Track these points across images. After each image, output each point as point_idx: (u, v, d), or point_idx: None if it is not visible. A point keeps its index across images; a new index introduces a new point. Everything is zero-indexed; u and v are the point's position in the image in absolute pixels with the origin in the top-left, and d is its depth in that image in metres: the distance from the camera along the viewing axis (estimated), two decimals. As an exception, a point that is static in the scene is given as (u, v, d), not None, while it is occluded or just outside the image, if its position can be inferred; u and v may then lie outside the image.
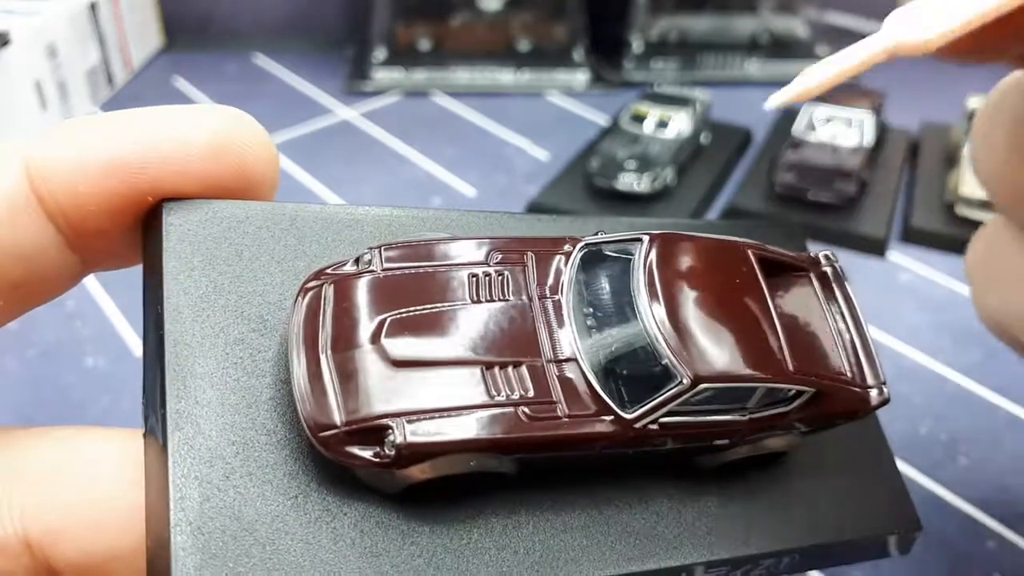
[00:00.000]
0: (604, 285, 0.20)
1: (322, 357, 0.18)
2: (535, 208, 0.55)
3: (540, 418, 0.18)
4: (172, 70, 0.75)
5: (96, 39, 0.69)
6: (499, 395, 0.18)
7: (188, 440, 0.17)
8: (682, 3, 0.73)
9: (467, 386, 0.18)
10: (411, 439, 0.17)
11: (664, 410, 0.18)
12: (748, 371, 0.19)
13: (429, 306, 0.19)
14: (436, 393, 0.18)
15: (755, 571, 0.21)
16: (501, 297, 0.19)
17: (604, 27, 0.74)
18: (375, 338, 0.18)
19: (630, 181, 0.54)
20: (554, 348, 0.19)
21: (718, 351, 0.19)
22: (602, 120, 0.66)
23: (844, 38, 0.76)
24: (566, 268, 0.20)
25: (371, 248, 0.19)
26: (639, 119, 0.59)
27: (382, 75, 0.71)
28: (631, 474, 0.20)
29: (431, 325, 0.18)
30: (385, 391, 0.17)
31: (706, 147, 0.61)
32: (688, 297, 0.19)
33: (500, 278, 0.19)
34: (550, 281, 0.20)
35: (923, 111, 0.67)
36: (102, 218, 0.20)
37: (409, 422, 0.17)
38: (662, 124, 0.58)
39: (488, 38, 0.73)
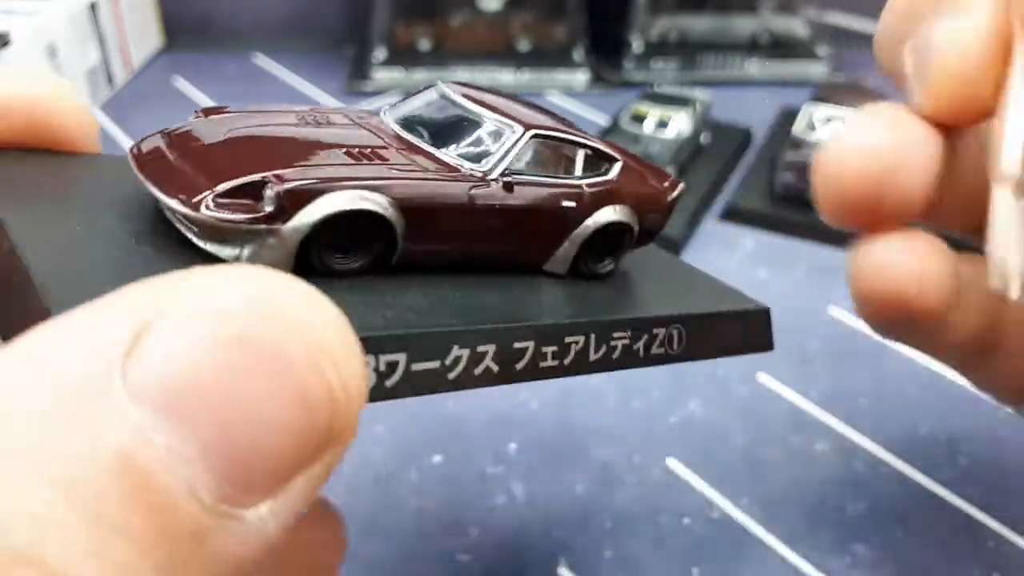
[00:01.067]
0: (416, 115, 0.23)
1: (169, 158, 0.18)
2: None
3: (406, 173, 0.19)
4: (172, 70, 0.75)
5: (96, 39, 0.69)
6: (361, 160, 0.19)
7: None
8: (682, 3, 0.73)
9: (323, 156, 0.19)
10: (290, 185, 0.17)
11: (508, 159, 0.21)
12: (565, 128, 0.23)
13: (258, 124, 0.20)
14: (294, 158, 0.18)
15: (653, 343, 0.23)
16: (328, 123, 0.21)
17: (604, 27, 0.74)
18: (223, 137, 0.19)
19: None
20: (397, 139, 0.21)
21: (531, 113, 0.23)
22: (602, 120, 0.66)
23: (844, 38, 0.76)
24: (389, 125, 0.22)
25: (196, 111, 0.21)
26: (639, 119, 0.59)
27: (382, 75, 0.71)
28: (521, 281, 0.23)
29: (269, 131, 0.20)
30: (244, 162, 0.18)
31: (706, 147, 0.61)
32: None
33: (323, 117, 0.21)
34: (367, 118, 0.22)
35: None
36: None
37: (276, 175, 0.17)
38: (662, 124, 0.58)
39: (488, 38, 0.73)
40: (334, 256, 0.19)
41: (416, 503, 0.35)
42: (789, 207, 0.55)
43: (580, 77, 0.72)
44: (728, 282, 0.27)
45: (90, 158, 0.22)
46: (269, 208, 0.17)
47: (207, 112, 0.21)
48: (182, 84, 0.72)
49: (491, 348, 0.19)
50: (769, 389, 0.42)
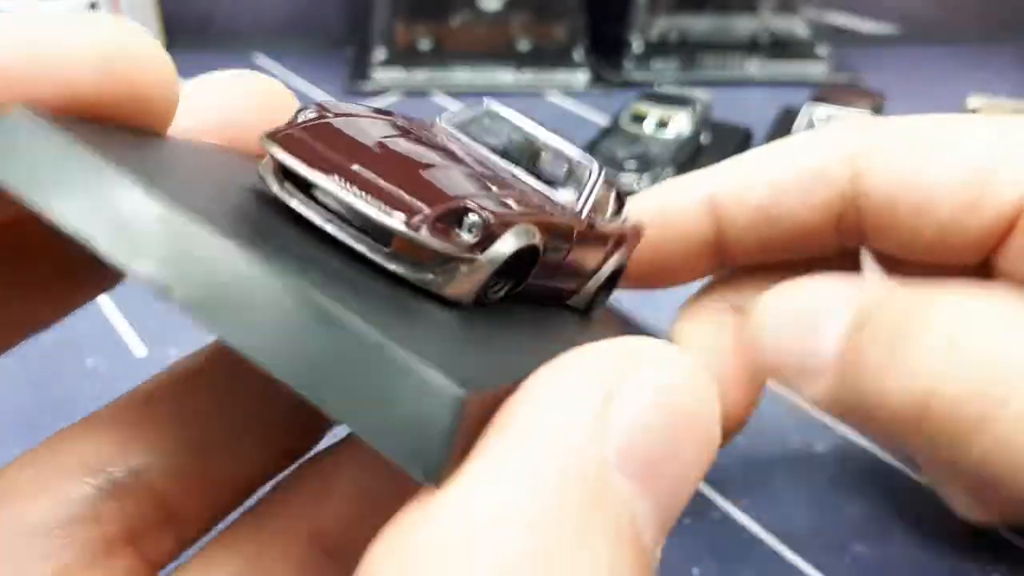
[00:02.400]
0: (485, 140, 0.22)
1: (354, 169, 0.17)
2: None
3: (542, 208, 0.19)
4: (172, 70, 0.75)
5: (96, 39, 0.68)
6: (507, 191, 0.19)
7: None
8: (682, 3, 0.73)
9: (480, 183, 0.18)
10: (494, 215, 0.17)
11: (592, 198, 0.22)
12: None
13: (397, 136, 0.19)
14: (466, 184, 0.18)
15: None
16: (430, 138, 0.20)
17: (604, 27, 0.74)
18: (387, 149, 0.18)
19: (630, 181, 0.54)
20: (501, 170, 0.21)
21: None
22: (602, 120, 0.66)
23: (844, 38, 0.76)
24: (450, 131, 0.22)
25: (306, 107, 0.19)
26: (639, 119, 0.59)
27: (382, 75, 0.71)
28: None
29: (415, 147, 0.19)
30: (436, 184, 0.17)
31: (706, 147, 0.61)
32: None
33: (410, 130, 0.20)
34: (447, 140, 0.21)
35: (923, 111, 0.67)
36: None
37: (477, 204, 0.17)
38: (662, 124, 0.58)
39: (488, 38, 0.73)
40: (491, 287, 0.18)
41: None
42: (789, 207, 0.55)
43: (580, 77, 0.72)
44: None
45: (176, 141, 0.19)
46: (475, 237, 0.17)
47: (324, 109, 0.19)
48: (182, 84, 0.72)
49: None
50: (769, 389, 0.42)
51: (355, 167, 0.17)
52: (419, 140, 0.19)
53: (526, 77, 0.72)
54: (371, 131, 0.19)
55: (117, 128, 0.17)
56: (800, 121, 0.57)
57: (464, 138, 0.21)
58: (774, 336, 0.23)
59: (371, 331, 0.12)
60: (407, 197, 0.16)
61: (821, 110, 0.57)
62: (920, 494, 0.37)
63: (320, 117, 0.18)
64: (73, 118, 0.16)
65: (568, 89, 0.71)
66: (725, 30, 0.73)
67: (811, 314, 0.23)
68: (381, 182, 0.16)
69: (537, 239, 0.18)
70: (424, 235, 0.16)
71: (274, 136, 0.17)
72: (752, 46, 0.73)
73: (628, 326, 0.28)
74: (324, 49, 0.78)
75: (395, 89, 0.71)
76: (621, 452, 0.12)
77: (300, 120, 0.18)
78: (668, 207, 0.29)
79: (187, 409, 0.21)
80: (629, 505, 0.12)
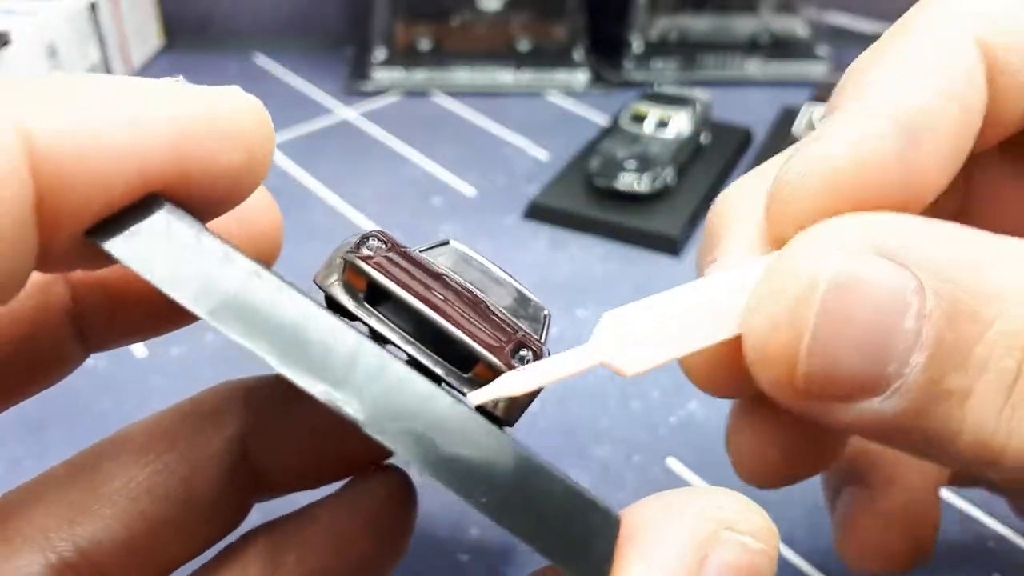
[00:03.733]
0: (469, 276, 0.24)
1: (434, 298, 0.20)
2: (535, 208, 0.55)
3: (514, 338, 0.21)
4: (172, 70, 0.75)
5: (96, 39, 0.69)
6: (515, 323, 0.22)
7: None
8: (682, 3, 0.73)
9: (503, 315, 0.21)
10: (541, 344, 0.20)
11: (544, 335, 0.23)
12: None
13: (435, 272, 0.21)
14: (500, 323, 0.21)
15: None
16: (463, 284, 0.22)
17: (604, 27, 0.74)
18: (446, 284, 0.21)
19: (630, 181, 0.54)
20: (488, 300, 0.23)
21: None
22: (602, 120, 0.66)
23: (844, 38, 0.76)
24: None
25: (368, 234, 0.21)
26: (639, 119, 0.59)
27: (382, 75, 0.71)
28: None
29: (453, 283, 0.21)
30: (493, 315, 0.20)
31: (706, 147, 0.61)
32: None
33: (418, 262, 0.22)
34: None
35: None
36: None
37: (527, 338, 0.20)
38: (662, 124, 0.58)
39: (488, 38, 0.73)
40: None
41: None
42: (789, 207, 0.55)
43: (580, 77, 0.72)
44: None
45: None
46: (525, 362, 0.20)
47: (392, 244, 0.21)
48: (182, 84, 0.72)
49: None
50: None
51: (435, 297, 0.20)
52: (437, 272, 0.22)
53: (526, 77, 0.72)
54: (423, 266, 0.21)
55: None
56: (800, 121, 0.57)
57: (447, 267, 0.23)
58: (828, 321, 0.17)
59: (566, 480, 0.16)
60: (485, 329, 0.20)
61: (821, 110, 0.57)
62: (920, 494, 0.37)
63: (390, 248, 0.21)
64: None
65: (568, 89, 0.71)
66: (725, 30, 0.73)
67: (888, 299, 0.17)
68: (458, 314, 0.20)
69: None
70: (503, 364, 0.19)
71: (360, 258, 0.19)
72: (752, 46, 0.73)
73: None
74: (324, 49, 0.78)
75: (395, 89, 0.71)
76: None
77: (371, 247, 0.21)
78: (935, 63, 0.19)
79: (140, 483, 0.21)
80: None
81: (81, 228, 0.15)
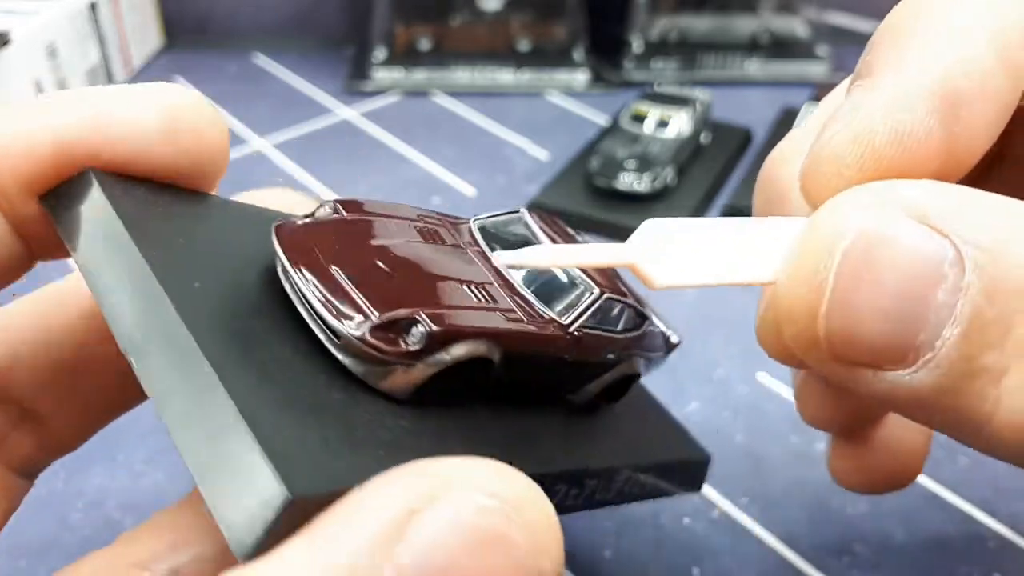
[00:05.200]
0: (505, 242, 0.24)
1: (331, 270, 0.20)
2: (535, 208, 0.55)
3: (515, 321, 0.22)
4: (172, 70, 0.75)
5: (96, 39, 0.69)
6: (482, 303, 0.21)
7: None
8: (682, 3, 0.73)
9: (456, 293, 0.21)
10: (437, 329, 0.19)
11: (586, 316, 0.23)
12: (624, 293, 0.25)
13: (399, 240, 0.22)
14: (436, 294, 0.20)
15: (609, 488, 0.25)
16: (442, 242, 0.23)
17: (604, 27, 0.74)
18: (375, 253, 0.21)
19: (630, 181, 0.54)
20: (497, 274, 0.23)
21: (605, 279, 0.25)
22: (602, 120, 0.66)
23: (844, 38, 0.76)
24: (473, 232, 0.25)
25: (325, 203, 0.22)
26: (639, 119, 0.59)
27: (382, 75, 0.71)
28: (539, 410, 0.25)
29: (410, 251, 0.22)
30: (398, 292, 0.20)
31: (706, 147, 0.61)
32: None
33: (436, 231, 0.24)
34: (466, 238, 0.24)
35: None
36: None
37: (428, 315, 0.19)
38: (662, 124, 0.58)
39: (488, 38, 0.73)
40: (438, 385, 0.20)
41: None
42: (789, 207, 0.55)
43: (580, 77, 0.72)
44: None
45: (221, 202, 0.23)
46: (416, 346, 0.19)
47: (345, 206, 0.22)
48: (182, 84, 0.72)
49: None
50: (769, 389, 0.42)
51: (332, 268, 0.20)
52: (434, 248, 0.22)
53: (526, 77, 0.72)
54: (384, 234, 0.22)
55: (170, 188, 0.21)
56: (800, 121, 0.57)
57: (483, 244, 0.24)
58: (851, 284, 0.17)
59: (233, 409, 0.15)
60: (363, 303, 0.19)
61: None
62: (920, 494, 0.37)
63: (335, 213, 0.22)
64: (131, 180, 0.20)
65: (568, 89, 0.71)
66: (725, 30, 0.73)
67: (920, 266, 0.16)
68: (347, 285, 0.19)
69: (487, 351, 0.20)
70: (363, 340, 0.19)
71: (279, 227, 0.20)
72: (752, 46, 0.73)
73: (649, 416, 0.30)
74: (324, 49, 0.78)
75: (395, 89, 0.71)
76: (408, 568, 0.13)
77: (313, 215, 0.22)
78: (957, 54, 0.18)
79: None
80: None
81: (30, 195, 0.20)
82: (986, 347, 0.16)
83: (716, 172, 0.59)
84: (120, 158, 0.20)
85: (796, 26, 0.74)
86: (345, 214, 0.22)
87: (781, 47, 0.73)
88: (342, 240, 0.21)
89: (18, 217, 0.20)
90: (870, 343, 0.17)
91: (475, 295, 0.21)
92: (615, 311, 0.25)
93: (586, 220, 0.54)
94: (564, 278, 0.24)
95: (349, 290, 0.19)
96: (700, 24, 0.73)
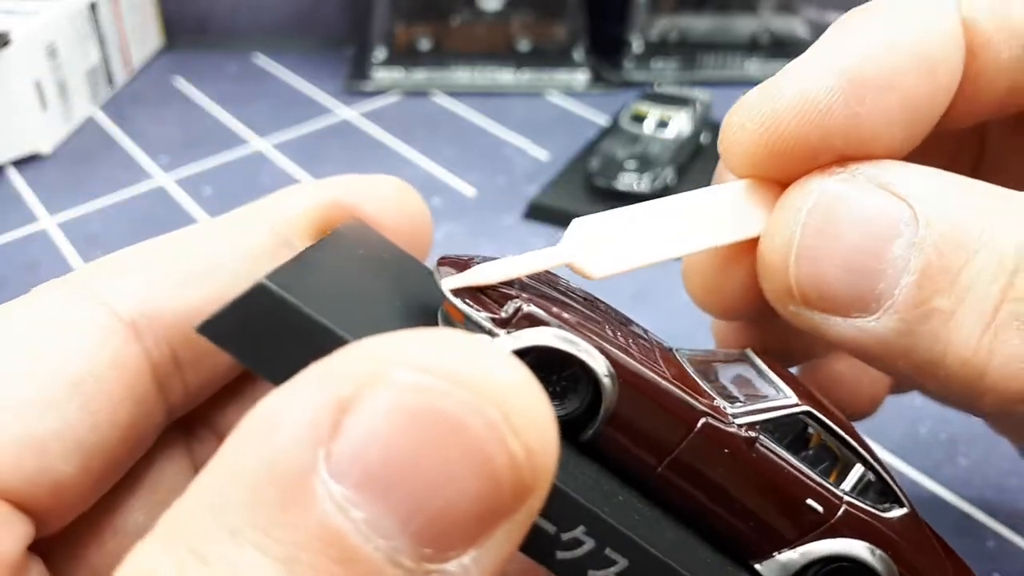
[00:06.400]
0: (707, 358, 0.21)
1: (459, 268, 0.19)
2: (535, 208, 0.55)
3: (647, 360, 0.18)
4: (172, 70, 0.75)
5: (96, 39, 0.69)
6: (617, 337, 0.19)
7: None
8: (682, 3, 0.73)
9: (593, 324, 0.18)
10: (528, 307, 0.17)
11: (764, 416, 0.19)
12: (848, 431, 0.20)
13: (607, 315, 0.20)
14: (564, 306, 0.18)
15: None
16: (615, 316, 0.21)
17: (604, 27, 0.74)
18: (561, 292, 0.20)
19: (630, 181, 0.54)
20: (663, 352, 0.20)
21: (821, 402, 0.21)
22: (602, 120, 0.66)
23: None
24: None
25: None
26: (639, 119, 0.59)
27: (382, 75, 0.71)
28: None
29: (576, 302, 0.20)
30: (540, 298, 0.18)
31: (706, 147, 0.61)
32: None
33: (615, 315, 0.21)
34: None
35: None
36: None
37: (533, 303, 0.18)
38: (662, 124, 0.58)
39: (488, 38, 0.73)
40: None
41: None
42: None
43: (580, 77, 0.72)
44: None
45: (422, 266, 0.23)
46: (503, 314, 0.17)
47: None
48: (182, 84, 0.72)
49: (622, 562, 0.16)
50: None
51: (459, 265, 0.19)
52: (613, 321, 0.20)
53: (526, 77, 0.72)
54: (576, 296, 0.20)
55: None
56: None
57: (685, 357, 0.21)
58: (815, 240, 0.19)
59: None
60: (463, 269, 0.18)
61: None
62: (920, 494, 0.37)
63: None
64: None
65: (568, 89, 0.71)
66: (725, 30, 0.73)
67: (879, 224, 0.18)
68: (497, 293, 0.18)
69: (586, 356, 0.17)
70: (455, 297, 0.18)
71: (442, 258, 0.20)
72: (752, 46, 0.73)
73: None
74: (324, 49, 0.78)
75: (395, 89, 0.71)
76: (341, 459, 0.12)
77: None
78: (911, 33, 0.19)
79: None
80: (343, 512, 0.12)
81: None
82: (936, 293, 0.18)
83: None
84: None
85: (796, 26, 0.74)
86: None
87: (781, 47, 0.73)
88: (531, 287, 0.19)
89: None
90: (834, 292, 0.19)
91: (615, 334, 0.19)
92: (835, 455, 0.20)
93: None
94: (758, 379, 0.20)
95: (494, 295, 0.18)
96: (700, 24, 0.73)
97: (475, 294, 0.18)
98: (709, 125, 0.61)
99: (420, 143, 0.64)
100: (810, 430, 0.20)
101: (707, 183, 0.22)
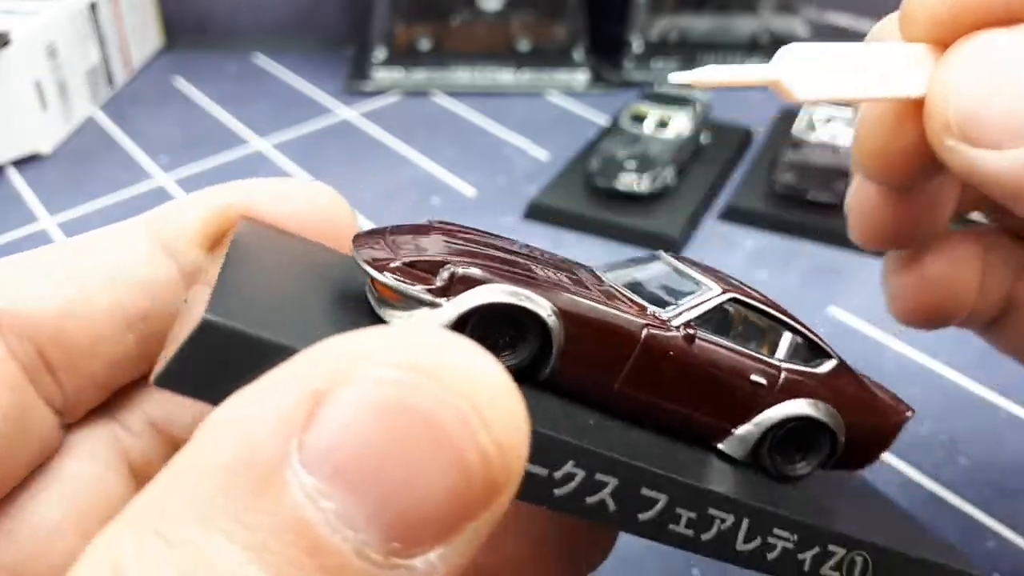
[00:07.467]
0: (633, 278, 0.22)
1: (388, 239, 0.19)
2: (535, 208, 0.55)
3: (581, 291, 0.19)
4: (172, 70, 0.75)
5: (96, 39, 0.69)
6: (546, 272, 0.19)
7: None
8: (682, 3, 0.73)
9: (516, 264, 0.19)
10: (462, 270, 0.18)
11: (696, 312, 0.20)
12: (771, 306, 0.22)
13: (482, 240, 0.21)
14: (489, 257, 0.19)
15: (825, 562, 0.20)
16: (539, 256, 0.21)
17: (604, 27, 0.74)
18: (443, 237, 0.20)
19: (630, 181, 0.54)
20: (594, 277, 0.21)
21: (747, 287, 0.22)
22: (602, 120, 0.66)
23: (844, 38, 0.76)
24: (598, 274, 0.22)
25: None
26: (639, 119, 0.59)
27: (382, 75, 0.71)
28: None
29: (488, 241, 0.21)
30: (441, 251, 0.19)
31: (706, 147, 0.61)
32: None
33: (539, 251, 0.22)
34: (577, 267, 0.22)
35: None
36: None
37: (461, 262, 0.18)
38: (662, 124, 0.58)
39: (488, 38, 0.73)
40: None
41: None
42: (789, 207, 0.55)
43: (580, 77, 0.72)
44: None
45: (329, 250, 0.23)
46: (439, 283, 0.18)
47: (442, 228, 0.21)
48: (182, 84, 0.72)
49: (612, 482, 0.18)
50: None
51: (390, 237, 0.19)
52: (508, 249, 0.20)
53: (526, 77, 0.72)
54: (484, 240, 0.21)
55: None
56: (800, 121, 0.57)
57: (608, 276, 0.22)
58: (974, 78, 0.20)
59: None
60: (390, 255, 0.18)
61: (821, 110, 0.57)
62: (920, 494, 0.37)
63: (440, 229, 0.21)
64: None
65: (568, 89, 0.71)
66: (725, 30, 0.73)
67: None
68: (379, 249, 0.19)
69: (531, 304, 0.18)
70: (386, 276, 0.18)
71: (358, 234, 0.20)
72: (752, 46, 0.73)
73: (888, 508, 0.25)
74: (324, 49, 0.78)
75: (395, 89, 0.71)
76: (314, 450, 0.12)
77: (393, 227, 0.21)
78: None
79: None
80: (313, 502, 0.12)
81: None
82: None
83: (716, 172, 0.59)
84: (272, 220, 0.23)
85: (796, 26, 0.74)
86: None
87: (781, 47, 0.73)
88: (411, 229, 0.20)
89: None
90: (992, 121, 0.20)
91: (538, 269, 0.19)
92: (762, 329, 0.22)
93: (586, 220, 0.54)
94: (680, 280, 0.21)
95: (387, 248, 0.19)
96: (700, 24, 0.73)
97: (404, 268, 0.18)
98: (709, 125, 0.61)
99: (420, 143, 0.64)
100: (731, 311, 0.22)
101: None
